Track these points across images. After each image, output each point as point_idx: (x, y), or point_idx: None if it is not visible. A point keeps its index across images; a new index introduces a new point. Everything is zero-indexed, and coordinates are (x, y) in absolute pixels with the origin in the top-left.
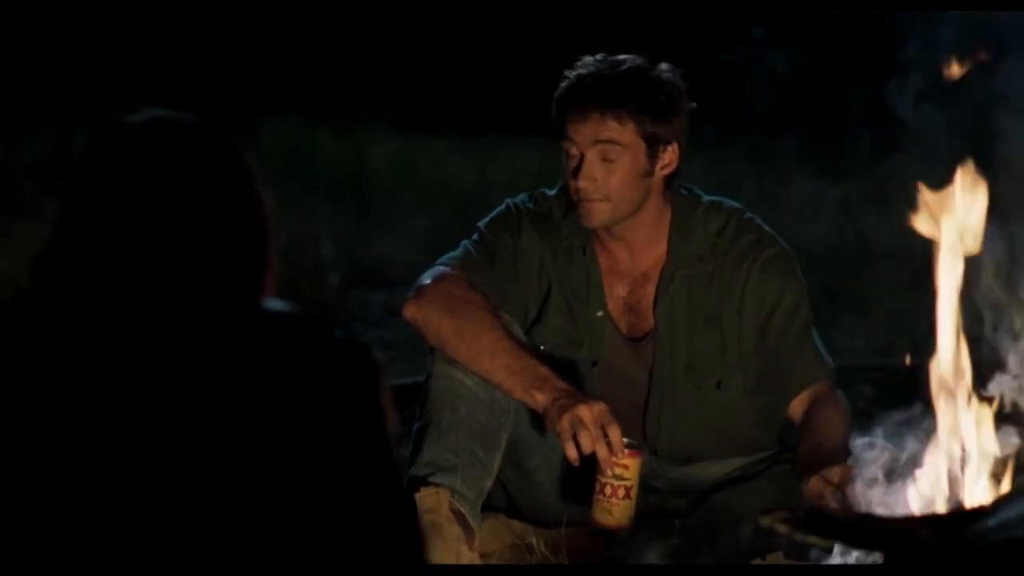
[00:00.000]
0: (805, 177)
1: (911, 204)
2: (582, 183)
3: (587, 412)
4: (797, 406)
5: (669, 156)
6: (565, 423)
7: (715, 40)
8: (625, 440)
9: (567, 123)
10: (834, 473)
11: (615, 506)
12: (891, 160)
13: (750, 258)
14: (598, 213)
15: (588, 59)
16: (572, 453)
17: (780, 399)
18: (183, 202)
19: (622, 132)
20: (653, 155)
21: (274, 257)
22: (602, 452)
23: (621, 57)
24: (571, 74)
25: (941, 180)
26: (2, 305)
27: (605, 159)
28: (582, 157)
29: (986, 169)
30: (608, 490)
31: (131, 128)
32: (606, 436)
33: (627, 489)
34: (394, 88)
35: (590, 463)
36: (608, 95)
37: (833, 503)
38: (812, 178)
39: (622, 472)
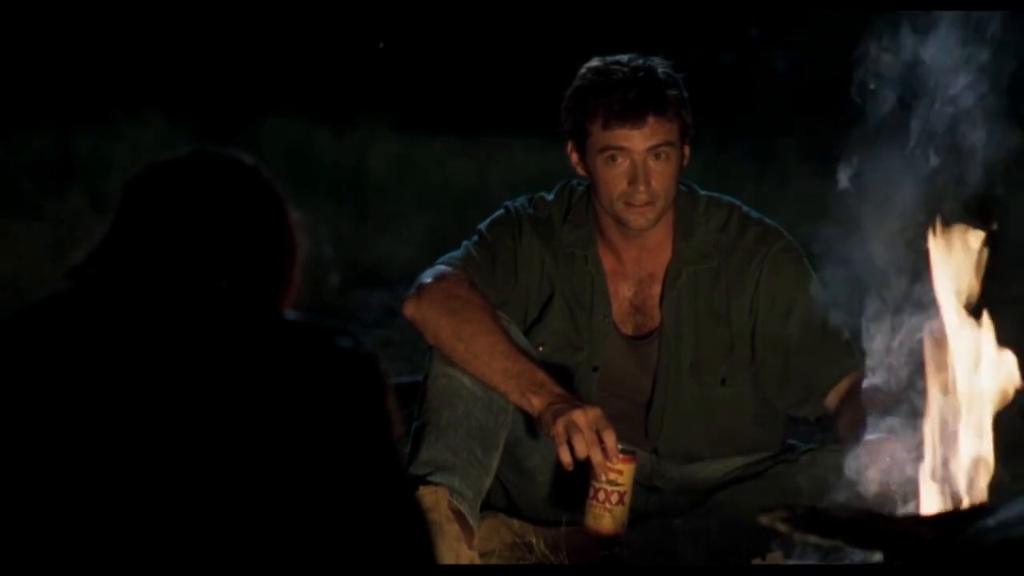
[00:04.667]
0: (805, 177)
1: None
2: (642, 188)
3: (582, 417)
4: (833, 398)
5: (688, 148)
6: (560, 427)
7: (715, 40)
8: (620, 446)
9: (613, 133)
10: (887, 443)
11: (608, 512)
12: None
13: (759, 255)
14: (651, 215)
15: (598, 65)
16: (566, 458)
17: (810, 395)
18: (209, 220)
19: (672, 131)
20: (683, 148)
21: (296, 274)
22: (596, 457)
23: (630, 57)
24: (595, 84)
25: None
26: (31, 305)
27: (659, 161)
28: (635, 164)
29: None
30: (602, 495)
31: (171, 158)
32: (601, 441)
33: (621, 495)
34: (394, 88)
35: (585, 468)
36: (658, 98)
37: (884, 474)
38: (812, 178)
39: (616, 477)
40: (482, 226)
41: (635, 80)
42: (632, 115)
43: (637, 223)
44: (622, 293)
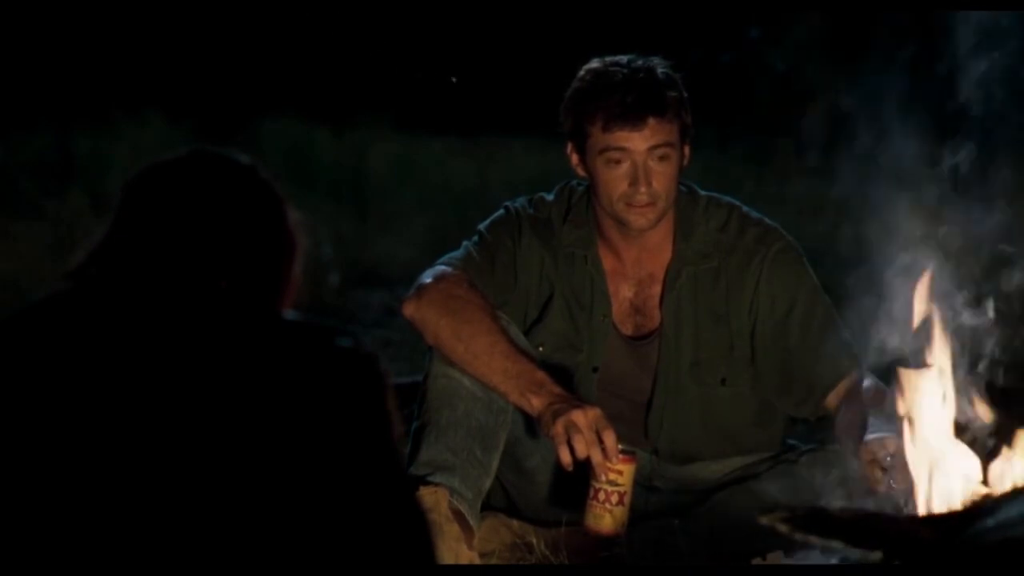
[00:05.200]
0: (805, 177)
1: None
2: (643, 190)
3: (582, 417)
4: (833, 398)
5: (688, 149)
6: (559, 428)
7: (715, 40)
8: (620, 446)
9: (613, 135)
10: (887, 442)
11: (609, 512)
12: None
13: (758, 255)
14: (651, 215)
15: (597, 67)
16: (566, 458)
17: (810, 396)
18: (209, 221)
19: (672, 132)
20: (683, 149)
21: (295, 274)
22: (596, 457)
23: (629, 59)
24: (594, 85)
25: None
26: (31, 305)
27: (659, 162)
28: (636, 165)
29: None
30: (602, 496)
31: (170, 159)
32: (601, 441)
33: (621, 495)
34: (394, 88)
35: (585, 468)
36: (658, 99)
37: (885, 473)
38: (812, 178)
39: (616, 478)
40: (482, 226)
41: (634, 82)
42: (632, 117)
43: (638, 224)
44: (622, 293)
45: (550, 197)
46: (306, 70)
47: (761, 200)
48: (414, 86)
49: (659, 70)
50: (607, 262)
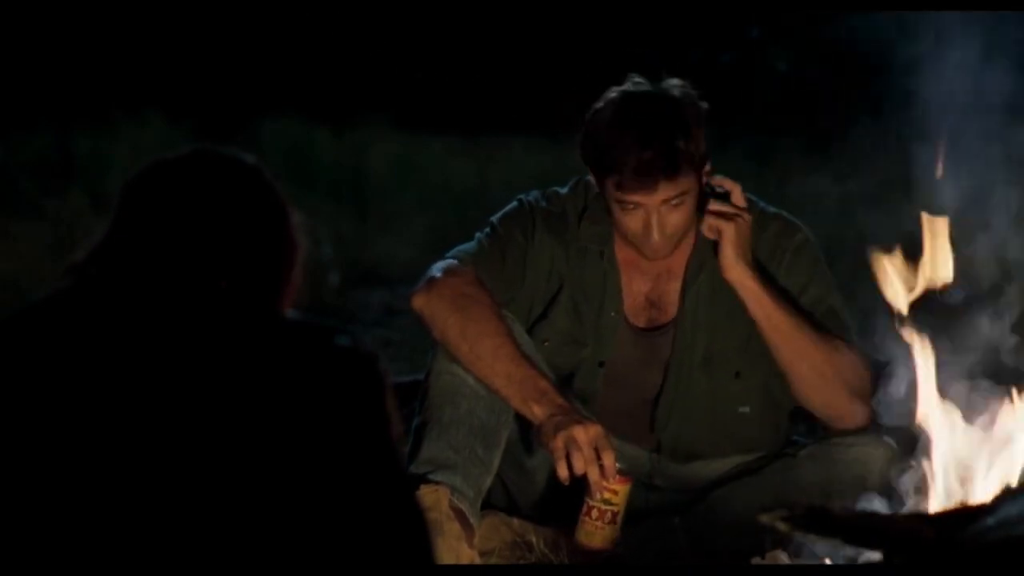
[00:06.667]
0: (805, 177)
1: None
2: (656, 236)
3: (582, 433)
4: None
5: (707, 167)
6: (559, 442)
7: (715, 40)
8: (617, 465)
9: (627, 192)
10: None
11: (600, 530)
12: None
13: (779, 248)
14: (665, 252)
15: (614, 114)
16: (563, 472)
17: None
18: (210, 220)
19: (685, 182)
20: (701, 178)
21: (295, 274)
22: (593, 475)
23: (648, 98)
24: (610, 140)
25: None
26: (31, 305)
27: (675, 209)
28: (650, 215)
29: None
30: (595, 513)
31: (171, 157)
32: (599, 459)
33: (614, 514)
34: (394, 88)
35: (581, 482)
36: (671, 162)
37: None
38: (812, 178)
39: (611, 497)
40: (495, 219)
41: (650, 140)
42: (646, 181)
43: (653, 258)
44: (637, 287)
45: (564, 191)
46: (306, 70)
47: (761, 200)
48: (414, 86)
49: (678, 106)
50: (625, 256)
